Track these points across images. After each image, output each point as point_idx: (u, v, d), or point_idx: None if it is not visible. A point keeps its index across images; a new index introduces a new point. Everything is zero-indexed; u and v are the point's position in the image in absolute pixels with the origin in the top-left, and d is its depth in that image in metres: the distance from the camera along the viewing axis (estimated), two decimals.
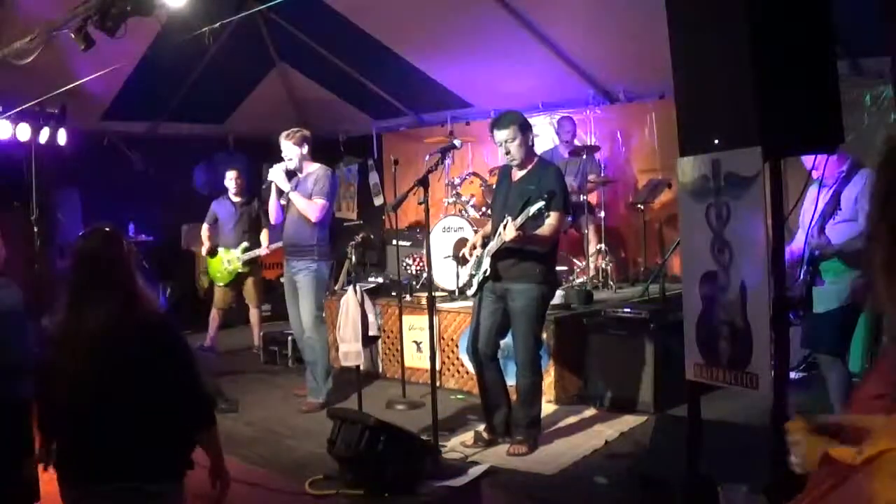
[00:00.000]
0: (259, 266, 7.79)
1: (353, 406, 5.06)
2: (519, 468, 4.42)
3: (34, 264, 7.02)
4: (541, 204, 4.28)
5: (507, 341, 4.84)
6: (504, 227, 4.40)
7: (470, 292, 4.94)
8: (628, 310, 5.68)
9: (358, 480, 3.91)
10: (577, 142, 7.94)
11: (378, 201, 10.21)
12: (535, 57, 7.41)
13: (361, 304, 5.13)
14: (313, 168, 5.78)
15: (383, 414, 4.94)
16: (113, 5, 4.92)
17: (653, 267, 7.33)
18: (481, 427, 4.89)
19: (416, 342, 6.38)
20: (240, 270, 7.53)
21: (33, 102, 6.74)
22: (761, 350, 2.91)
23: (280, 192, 5.84)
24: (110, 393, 2.40)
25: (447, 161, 7.46)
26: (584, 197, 7.40)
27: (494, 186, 5.22)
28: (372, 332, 5.19)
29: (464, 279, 5.55)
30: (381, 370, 6.76)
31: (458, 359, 6.18)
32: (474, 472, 4.23)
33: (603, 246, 7.32)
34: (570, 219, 6.18)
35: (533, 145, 4.75)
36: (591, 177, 7.55)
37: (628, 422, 5.17)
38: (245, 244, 7.49)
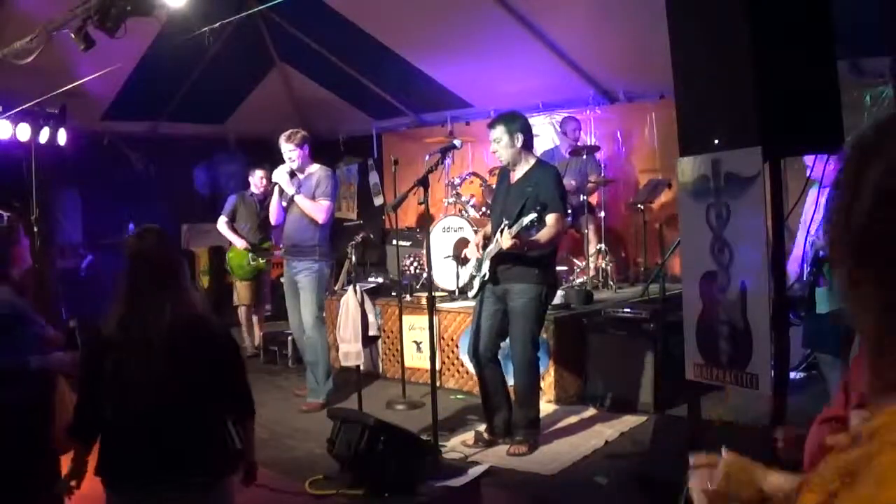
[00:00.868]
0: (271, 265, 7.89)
1: (353, 406, 5.06)
2: (519, 468, 4.42)
3: (34, 264, 7.01)
4: (533, 216, 4.29)
5: (507, 342, 4.84)
6: (500, 234, 4.42)
7: (471, 294, 4.95)
8: (628, 310, 5.68)
9: (358, 480, 3.91)
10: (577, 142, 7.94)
11: (378, 201, 10.21)
12: (535, 57, 7.40)
13: (361, 304, 5.13)
14: (314, 168, 5.79)
15: (383, 414, 4.94)
16: (113, 5, 4.91)
17: (653, 267, 7.33)
18: (481, 427, 4.89)
19: (416, 342, 6.38)
20: (260, 266, 7.59)
21: (33, 102, 6.73)
22: (761, 350, 2.91)
23: (282, 193, 5.84)
24: (171, 392, 2.44)
25: (447, 161, 7.46)
26: (585, 197, 7.40)
27: (494, 187, 5.23)
28: (372, 332, 5.20)
29: (465, 279, 5.55)
30: (381, 370, 6.76)
31: (458, 359, 6.18)
32: (474, 472, 4.23)
33: (603, 246, 7.32)
34: (569, 219, 6.17)
35: (525, 147, 4.67)
36: (591, 177, 7.55)
37: (628, 422, 5.17)
38: (269, 242, 7.59)
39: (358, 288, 5.20)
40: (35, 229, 7.07)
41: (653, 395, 5.29)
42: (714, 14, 3.06)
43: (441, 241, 6.74)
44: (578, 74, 7.70)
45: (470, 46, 7.49)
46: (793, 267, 4.18)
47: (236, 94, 9.39)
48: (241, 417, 2.69)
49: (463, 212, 7.33)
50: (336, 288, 7.33)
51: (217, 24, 5.67)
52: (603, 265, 7.30)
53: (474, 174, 7.95)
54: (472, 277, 4.84)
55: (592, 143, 7.83)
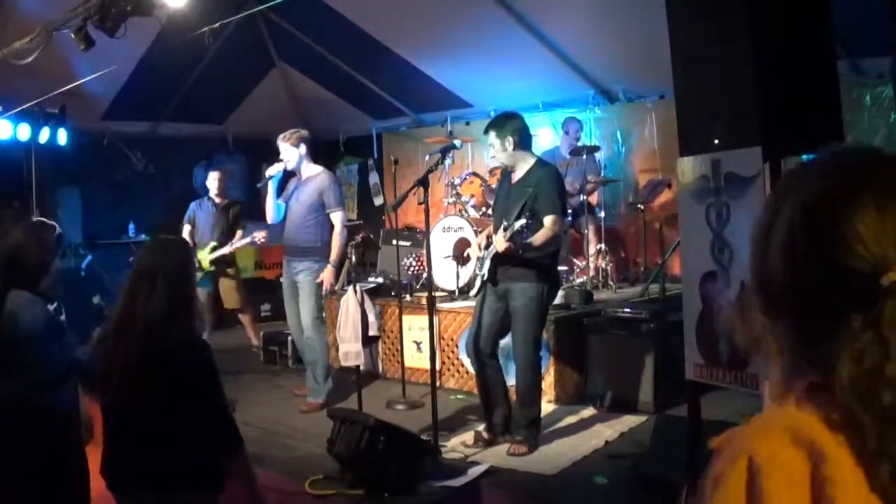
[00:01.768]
0: (233, 267, 7.47)
1: (353, 406, 5.06)
2: (519, 468, 4.42)
3: None
4: (522, 222, 4.28)
5: (506, 341, 4.84)
6: (496, 236, 4.43)
7: (473, 292, 4.95)
8: (628, 310, 5.68)
9: (358, 480, 3.91)
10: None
11: (378, 201, 10.21)
12: (535, 57, 7.40)
13: (361, 304, 5.13)
14: (314, 172, 5.77)
15: (383, 414, 4.94)
16: (113, 5, 4.92)
17: (653, 267, 7.33)
18: (481, 427, 4.89)
19: (416, 342, 6.38)
20: (207, 270, 7.09)
21: (33, 102, 6.74)
22: None
23: (279, 191, 5.84)
24: (151, 406, 2.42)
25: (447, 161, 7.45)
26: (584, 197, 7.40)
27: (496, 187, 5.23)
28: (372, 332, 5.19)
29: (466, 279, 5.54)
30: (381, 370, 6.75)
31: (458, 359, 6.18)
32: (474, 472, 4.23)
33: (603, 246, 7.32)
34: (569, 219, 6.17)
35: (521, 147, 4.64)
36: (591, 177, 7.55)
37: (628, 422, 5.17)
38: (213, 243, 7.14)
39: (358, 288, 5.20)
40: None
41: (653, 395, 5.29)
42: (714, 14, 3.06)
43: (441, 241, 6.74)
44: (578, 74, 7.70)
45: (470, 46, 7.49)
46: None
47: (236, 94, 9.39)
48: (225, 453, 2.59)
49: (463, 212, 7.33)
50: (336, 288, 7.32)
51: (217, 25, 5.67)
52: (603, 265, 7.29)
53: (474, 174, 7.94)
54: (474, 276, 4.85)
55: (592, 144, 7.84)
